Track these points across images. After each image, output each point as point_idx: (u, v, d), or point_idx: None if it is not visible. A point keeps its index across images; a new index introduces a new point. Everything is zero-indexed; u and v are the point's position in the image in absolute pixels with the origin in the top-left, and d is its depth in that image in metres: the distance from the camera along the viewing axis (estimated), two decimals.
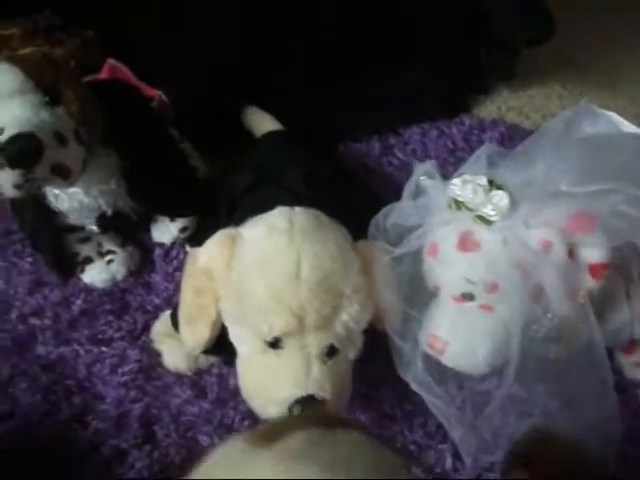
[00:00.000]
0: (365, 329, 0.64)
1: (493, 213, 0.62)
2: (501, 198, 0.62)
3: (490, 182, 0.63)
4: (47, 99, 0.72)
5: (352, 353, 0.64)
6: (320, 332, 0.60)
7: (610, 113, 0.77)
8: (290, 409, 0.59)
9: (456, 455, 0.68)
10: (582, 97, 1.26)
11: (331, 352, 0.61)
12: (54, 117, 0.71)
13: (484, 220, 0.62)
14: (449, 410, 0.66)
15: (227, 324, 0.63)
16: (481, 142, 1.10)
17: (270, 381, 0.61)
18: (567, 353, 0.68)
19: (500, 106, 1.24)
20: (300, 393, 0.59)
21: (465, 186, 0.64)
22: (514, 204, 0.62)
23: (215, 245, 0.64)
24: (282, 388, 0.60)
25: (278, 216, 0.63)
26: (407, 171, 1.02)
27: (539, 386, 0.68)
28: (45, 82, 0.72)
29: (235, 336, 0.63)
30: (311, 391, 0.59)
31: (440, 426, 0.70)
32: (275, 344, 0.60)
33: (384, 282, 0.65)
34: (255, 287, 0.60)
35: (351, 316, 0.61)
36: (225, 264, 0.62)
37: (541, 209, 0.62)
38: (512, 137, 1.11)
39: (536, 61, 1.32)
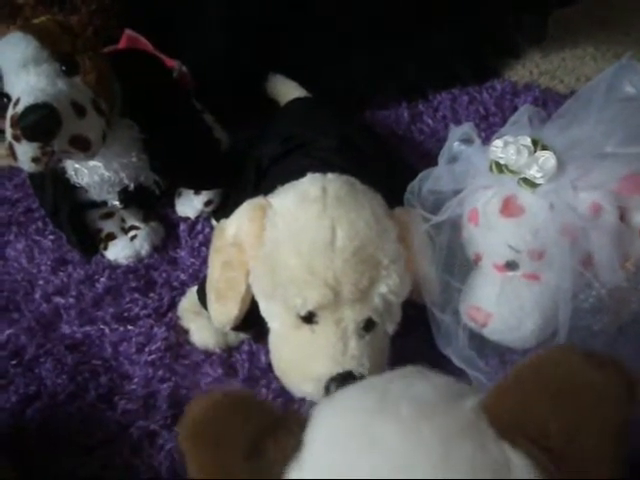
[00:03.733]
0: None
1: (539, 175, 0.58)
2: (547, 159, 0.58)
3: (534, 142, 0.59)
4: (63, 68, 0.69)
5: (391, 327, 0.61)
6: (357, 305, 0.57)
7: None
8: (327, 387, 0.56)
9: None
10: (616, 59, 1.21)
11: (369, 326, 0.58)
12: (71, 87, 0.69)
13: (529, 183, 0.58)
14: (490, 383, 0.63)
15: (258, 299, 0.60)
16: (514, 107, 1.05)
17: (305, 358, 0.58)
18: (615, 325, 0.65)
19: (532, 70, 1.19)
20: (337, 370, 0.56)
21: (507, 147, 0.60)
22: (561, 166, 0.58)
23: (244, 216, 0.61)
24: (318, 365, 0.57)
25: (310, 183, 0.60)
26: (437, 138, 1.00)
27: None
28: (61, 51, 0.69)
29: (266, 311, 0.60)
30: (348, 367, 0.56)
31: None
32: (309, 319, 0.57)
33: (422, 251, 0.62)
34: (287, 259, 0.56)
35: (389, 288, 0.57)
36: (255, 235, 0.59)
37: (590, 170, 0.58)
38: (546, 101, 1.06)
39: (568, 23, 1.27)
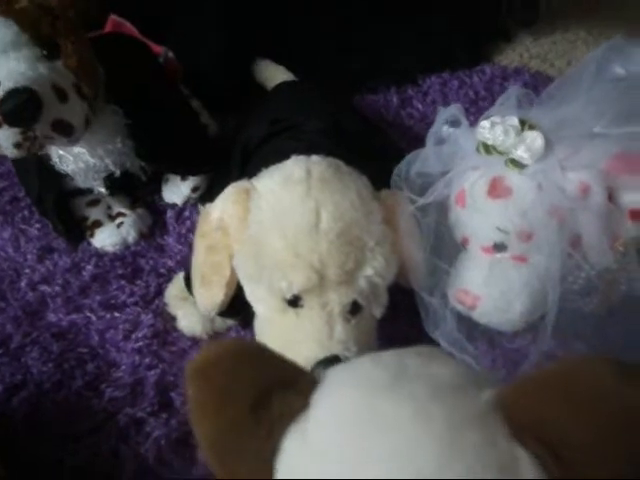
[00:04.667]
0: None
1: (526, 156, 0.57)
2: (534, 139, 0.57)
3: (522, 122, 0.59)
4: (44, 52, 0.68)
5: (377, 310, 0.60)
6: (342, 288, 0.56)
7: None
8: (313, 372, 0.55)
9: None
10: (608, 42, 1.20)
11: (355, 309, 0.57)
12: (52, 71, 0.68)
13: (517, 164, 0.58)
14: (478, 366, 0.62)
15: (243, 283, 0.60)
16: (504, 91, 1.03)
17: (290, 342, 0.57)
18: (604, 307, 0.64)
19: (522, 53, 1.18)
20: (323, 353, 0.55)
21: (495, 128, 0.59)
22: (549, 145, 0.57)
23: (228, 199, 0.60)
24: (303, 349, 0.56)
25: (294, 165, 0.59)
26: (427, 122, 0.99)
27: (576, 342, 0.63)
28: (41, 35, 0.68)
29: (252, 295, 0.59)
30: (335, 351, 0.55)
31: None
32: (294, 302, 0.56)
33: (409, 233, 0.61)
34: (272, 242, 0.56)
35: (375, 270, 0.56)
36: (239, 219, 0.58)
37: (578, 150, 0.58)
38: (536, 85, 1.05)
39: (560, 7, 1.26)
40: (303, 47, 1.03)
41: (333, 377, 0.38)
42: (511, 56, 1.17)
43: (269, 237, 0.56)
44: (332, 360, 0.55)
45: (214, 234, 0.60)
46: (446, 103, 1.03)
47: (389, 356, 0.38)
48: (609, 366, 0.32)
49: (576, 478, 0.31)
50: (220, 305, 0.61)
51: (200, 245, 0.62)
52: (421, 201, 0.62)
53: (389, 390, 0.34)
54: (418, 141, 0.92)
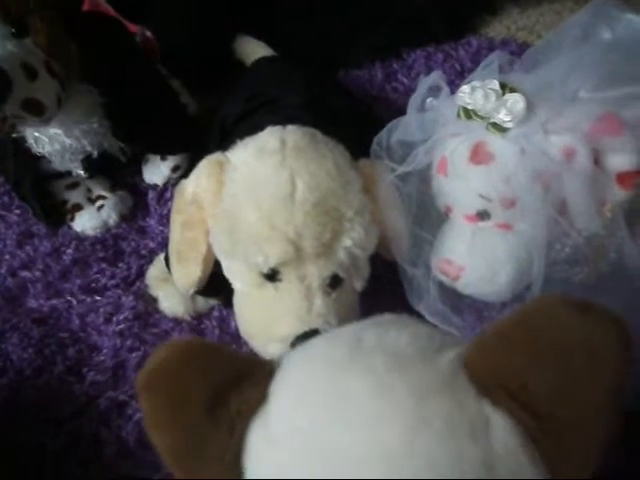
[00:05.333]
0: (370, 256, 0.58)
1: (508, 119, 0.55)
2: (516, 101, 0.55)
3: (502, 86, 0.57)
4: (13, 30, 0.66)
5: (358, 283, 0.58)
6: (321, 260, 0.54)
7: (630, 16, 0.69)
8: (293, 347, 0.54)
9: None
10: None
11: (335, 283, 0.56)
12: (21, 48, 0.65)
13: (498, 128, 0.56)
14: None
15: (220, 258, 0.58)
16: None
17: (269, 318, 0.56)
18: (593, 276, 0.63)
19: (509, 26, 1.16)
20: (303, 328, 0.54)
21: (475, 92, 0.57)
22: (531, 108, 0.56)
23: (202, 172, 0.58)
24: (282, 324, 0.55)
25: (268, 136, 0.57)
26: (411, 96, 0.97)
27: None
28: (10, 12, 0.66)
29: (229, 271, 0.58)
30: (315, 326, 0.54)
31: None
32: (272, 276, 0.55)
33: (389, 203, 0.59)
34: (246, 214, 0.54)
35: (354, 241, 0.55)
36: (214, 192, 0.57)
37: (561, 112, 0.56)
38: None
39: None
40: (284, 27, 1.01)
41: (289, 362, 0.37)
42: (498, 28, 1.15)
43: (243, 210, 0.54)
44: (312, 334, 0.53)
45: (188, 209, 0.58)
46: None
47: (344, 332, 0.37)
48: (562, 303, 0.31)
49: (553, 427, 0.30)
50: (198, 282, 0.59)
51: (176, 221, 0.60)
52: (401, 169, 0.60)
53: (346, 367, 0.33)
54: (402, 114, 0.91)
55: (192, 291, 0.61)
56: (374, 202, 0.58)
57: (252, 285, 0.56)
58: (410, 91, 0.96)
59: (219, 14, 0.99)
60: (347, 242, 0.54)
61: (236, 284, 0.58)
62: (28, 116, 0.66)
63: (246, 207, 0.54)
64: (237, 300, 0.59)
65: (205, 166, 0.58)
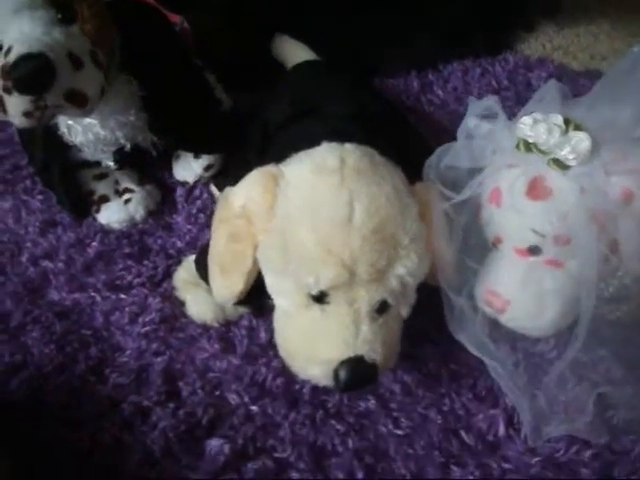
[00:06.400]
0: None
1: (571, 157, 0.54)
2: (581, 140, 0.54)
3: (567, 122, 0.56)
4: (60, 16, 0.64)
5: (405, 310, 0.57)
6: (372, 286, 0.53)
7: None
8: (336, 372, 0.53)
9: (509, 422, 0.62)
10: (631, 38, 1.17)
11: (382, 308, 0.55)
12: (67, 36, 0.63)
13: (560, 164, 0.55)
14: (507, 374, 0.60)
15: (265, 274, 0.57)
16: (527, 82, 1.02)
17: (313, 340, 0.54)
18: (632, 315, 0.62)
19: (545, 44, 1.15)
20: (348, 354, 0.53)
21: (537, 126, 0.56)
22: (595, 147, 0.54)
23: (255, 185, 0.56)
24: (327, 348, 0.53)
25: (327, 153, 0.56)
26: (447, 111, 0.96)
27: (601, 350, 0.61)
28: None
29: (274, 288, 0.56)
30: (360, 352, 0.53)
31: (490, 389, 0.64)
32: (321, 298, 0.53)
33: (440, 230, 0.58)
34: (301, 233, 0.52)
35: (407, 269, 0.53)
36: (266, 207, 0.55)
37: (625, 155, 0.55)
38: (560, 77, 1.02)
39: None
40: (320, 29, 0.98)
41: None
42: (534, 46, 1.14)
43: (298, 229, 0.53)
44: (356, 361, 0.53)
45: (236, 221, 0.57)
46: (468, 91, 1.00)
47: None
48: None
49: None
50: (239, 295, 0.58)
51: (220, 232, 0.58)
52: (456, 198, 0.59)
53: None
54: (439, 129, 0.90)
55: (231, 303, 0.60)
56: (427, 228, 0.56)
57: (298, 305, 0.54)
58: (445, 104, 0.96)
59: (257, 11, 0.97)
60: (401, 270, 0.53)
61: (281, 302, 0.56)
62: (70, 107, 0.64)
63: (301, 226, 0.53)
64: (280, 319, 0.58)
65: (258, 178, 0.56)
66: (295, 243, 0.53)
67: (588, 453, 0.59)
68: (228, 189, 0.60)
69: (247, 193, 0.57)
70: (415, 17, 1.05)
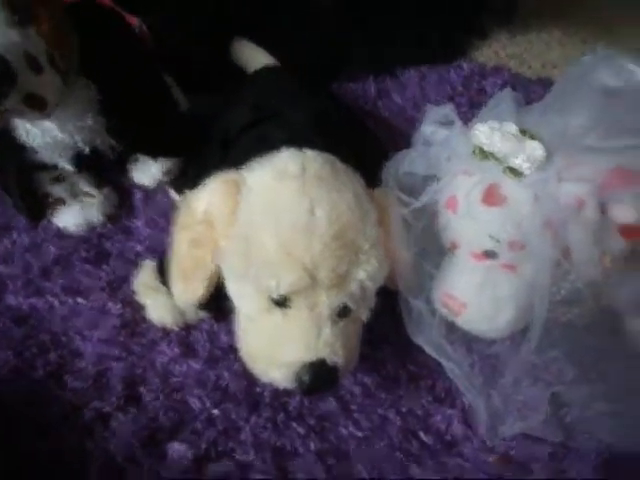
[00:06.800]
0: None
1: (526, 165, 0.56)
2: (535, 149, 0.56)
3: (522, 131, 0.58)
4: (16, 18, 0.63)
5: (364, 314, 0.58)
6: (333, 291, 0.54)
7: (633, 67, 0.71)
8: (298, 375, 0.53)
9: (466, 422, 0.64)
10: (582, 44, 1.21)
11: (343, 313, 0.56)
12: (25, 38, 0.62)
13: (515, 172, 0.57)
14: (463, 374, 0.62)
15: (227, 279, 0.57)
16: (482, 89, 1.04)
17: (275, 343, 0.55)
18: (583, 318, 0.64)
19: (498, 51, 1.18)
20: (309, 356, 0.53)
21: (493, 133, 0.58)
22: (548, 156, 0.57)
23: (216, 191, 0.57)
24: (289, 351, 0.54)
25: (288, 159, 0.56)
26: (405, 117, 0.98)
27: (553, 351, 0.63)
28: None
29: (235, 292, 0.57)
30: (322, 355, 0.53)
31: (449, 390, 0.66)
32: (282, 302, 0.54)
33: (399, 235, 0.59)
34: (263, 238, 0.53)
35: (368, 273, 0.55)
36: (229, 212, 0.55)
37: (576, 163, 0.57)
38: (514, 86, 1.04)
39: (536, 5, 1.26)
40: (279, 32, 0.99)
41: None
42: (487, 53, 1.16)
43: (260, 234, 0.53)
44: (318, 364, 0.53)
45: (198, 227, 0.57)
46: (424, 97, 1.01)
47: None
48: None
49: None
50: (200, 300, 0.58)
51: (181, 237, 0.59)
52: (414, 204, 0.60)
53: None
54: (396, 133, 0.92)
55: (191, 308, 0.60)
56: (385, 233, 0.57)
57: (260, 309, 0.55)
58: (403, 111, 0.98)
59: (215, 15, 0.97)
60: (361, 275, 0.54)
61: (242, 306, 0.57)
62: (29, 111, 0.63)
63: (263, 231, 0.53)
64: (241, 322, 0.58)
65: (220, 184, 0.57)
66: (257, 248, 0.53)
67: (542, 450, 0.61)
68: (189, 194, 0.60)
69: (209, 199, 0.57)
70: (372, 22, 1.06)
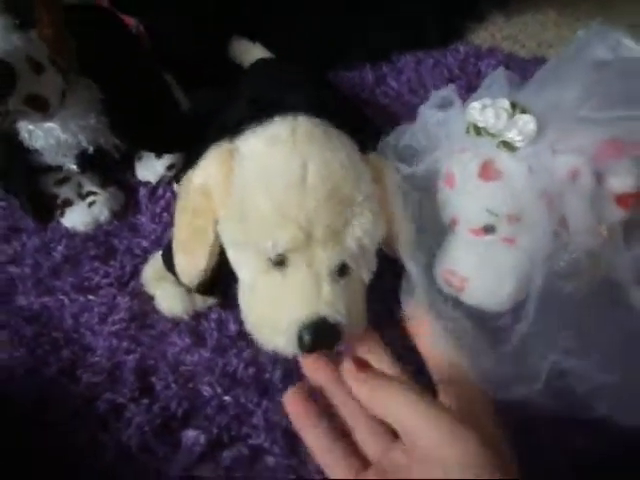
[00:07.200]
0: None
1: (519, 139, 0.57)
2: (527, 122, 0.57)
3: (513, 105, 0.58)
4: (17, 22, 0.64)
5: (366, 275, 0.58)
6: (330, 247, 0.54)
7: (628, 41, 0.72)
8: (300, 335, 0.53)
9: None
10: (578, 23, 1.21)
11: (343, 271, 0.56)
12: (26, 41, 0.64)
13: (508, 146, 0.57)
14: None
15: (227, 248, 0.58)
16: (478, 71, 1.05)
17: (277, 305, 0.54)
18: (584, 289, 0.65)
19: (494, 34, 1.19)
20: (310, 313, 0.53)
21: (486, 110, 0.59)
22: (540, 128, 0.57)
23: (212, 161, 0.58)
24: (290, 309, 0.53)
25: (279, 125, 0.57)
26: (402, 102, 0.98)
27: (552, 322, 0.64)
28: (16, 2, 0.64)
29: (236, 261, 0.58)
30: (323, 313, 0.53)
31: None
32: (280, 262, 0.54)
33: (395, 199, 0.59)
34: (257, 202, 0.54)
35: (364, 229, 0.55)
36: (224, 180, 0.56)
37: (570, 134, 0.57)
38: (509, 66, 1.05)
39: None
40: (274, 24, 1.00)
41: None
42: (483, 35, 1.17)
43: (254, 198, 0.54)
44: (320, 323, 0.53)
45: (196, 198, 0.58)
46: (421, 82, 1.02)
47: None
48: None
49: None
50: (202, 273, 0.59)
51: (182, 209, 0.60)
52: (409, 170, 0.61)
53: None
54: (394, 121, 0.92)
55: (195, 282, 0.61)
56: (382, 194, 0.58)
57: (259, 272, 0.55)
58: (400, 96, 0.98)
59: (213, 13, 0.98)
60: (357, 231, 0.54)
61: (243, 274, 0.57)
62: (32, 112, 0.64)
63: (257, 195, 0.54)
64: (244, 293, 0.58)
65: (214, 155, 0.58)
66: (252, 211, 0.54)
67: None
68: (190, 171, 0.61)
69: (205, 170, 0.58)
70: (367, 10, 1.07)
